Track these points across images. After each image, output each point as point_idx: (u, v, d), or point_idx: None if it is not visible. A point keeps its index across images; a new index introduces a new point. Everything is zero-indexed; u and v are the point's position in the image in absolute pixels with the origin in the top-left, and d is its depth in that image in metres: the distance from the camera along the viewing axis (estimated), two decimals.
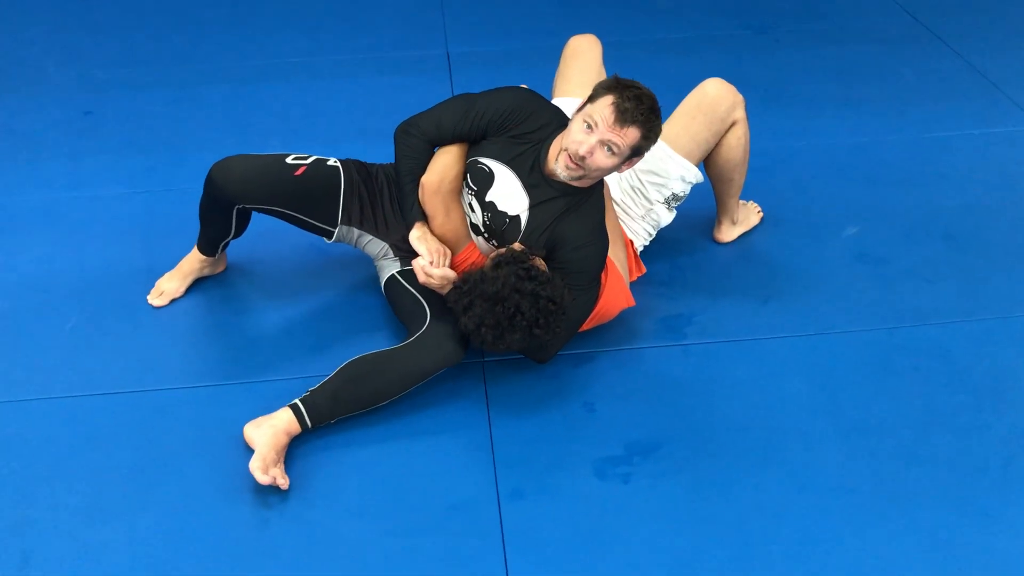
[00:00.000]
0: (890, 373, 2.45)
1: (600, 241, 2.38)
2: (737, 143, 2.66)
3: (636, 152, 2.29)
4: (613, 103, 2.22)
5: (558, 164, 2.31)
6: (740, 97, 2.63)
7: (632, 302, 2.52)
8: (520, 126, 2.38)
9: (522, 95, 2.42)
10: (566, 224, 2.36)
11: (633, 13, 4.41)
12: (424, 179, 2.39)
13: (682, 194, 2.67)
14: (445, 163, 2.40)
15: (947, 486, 2.15)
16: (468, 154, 2.43)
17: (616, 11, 4.42)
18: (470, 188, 2.41)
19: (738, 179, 2.76)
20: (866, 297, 2.71)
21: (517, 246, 2.35)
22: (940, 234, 2.95)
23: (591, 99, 2.27)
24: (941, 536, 2.05)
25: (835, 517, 2.08)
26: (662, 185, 2.64)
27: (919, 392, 2.40)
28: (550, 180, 2.35)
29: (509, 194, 2.37)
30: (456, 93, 3.68)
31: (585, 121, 2.25)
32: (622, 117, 2.21)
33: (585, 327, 2.46)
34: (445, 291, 2.37)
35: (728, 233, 2.90)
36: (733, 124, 2.64)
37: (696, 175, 2.65)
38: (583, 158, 2.25)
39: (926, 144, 3.42)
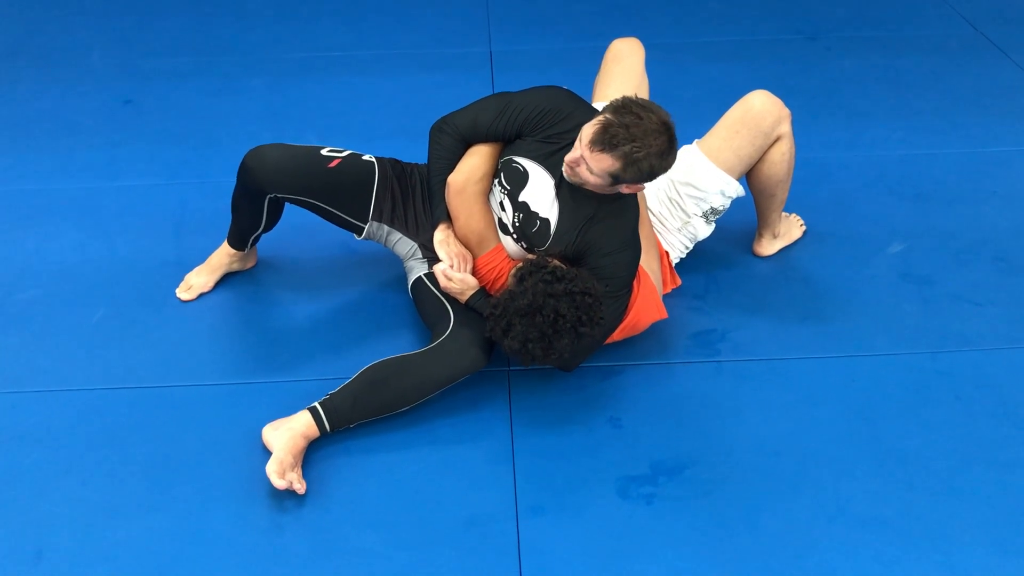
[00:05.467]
0: (930, 400, 2.36)
1: (631, 248, 2.32)
2: (781, 158, 2.58)
3: (615, 179, 2.18)
4: (600, 123, 2.14)
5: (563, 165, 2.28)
6: (786, 111, 2.55)
7: (664, 314, 2.46)
8: (556, 126, 2.33)
9: (559, 95, 2.37)
10: (596, 229, 2.30)
11: (681, 15, 4.32)
12: (450, 178, 2.36)
13: (721, 208, 2.59)
14: (473, 163, 2.37)
15: (986, 524, 2.06)
16: (503, 153, 2.40)
17: (664, 13, 4.34)
18: (503, 187, 2.37)
19: (781, 194, 2.68)
20: (909, 319, 2.61)
21: (532, 256, 2.31)
22: (990, 256, 2.84)
23: (602, 111, 2.20)
24: None
25: (865, 551, 2.00)
26: (701, 199, 2.57)
27: (960, 422, 2.30)
28: (581, 185, 2.29)
29: (541, 195, 2.33)
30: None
31: (581, 131, 2.19)
32: (596, 140, 2.12)
33: (615, 338, 2.40)
34: (465, 297, 2.34)
35: (768, 247, 2.82)
36: (778, 139, 2.55)
37: (737, 189, 2.58)
38: (571, 167, 2.21)
39: (980, 160, 3.30)
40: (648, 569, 1.98)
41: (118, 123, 3.53)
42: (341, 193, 2.43)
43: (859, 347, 2.52)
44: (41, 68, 3.91)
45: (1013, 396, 2.37)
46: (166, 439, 2.25)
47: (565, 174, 2.27)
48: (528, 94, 2.39)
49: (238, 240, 2.65)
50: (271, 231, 2.62)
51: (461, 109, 2.43)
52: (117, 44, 4.10)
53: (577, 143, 2.20)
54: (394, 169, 2.51)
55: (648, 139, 2.12)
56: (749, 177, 2.64)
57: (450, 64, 3.93)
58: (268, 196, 2.44)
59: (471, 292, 2.33)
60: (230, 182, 2.52)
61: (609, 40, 2.89)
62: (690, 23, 4.26)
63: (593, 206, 2.31)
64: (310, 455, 2.20)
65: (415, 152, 2.71)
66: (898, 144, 3.39)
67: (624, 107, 2.14)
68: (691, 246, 2.65)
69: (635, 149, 2.11)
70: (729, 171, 2.55)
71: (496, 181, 2.40)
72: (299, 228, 2.78)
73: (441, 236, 2.37)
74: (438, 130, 2.42)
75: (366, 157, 2.49)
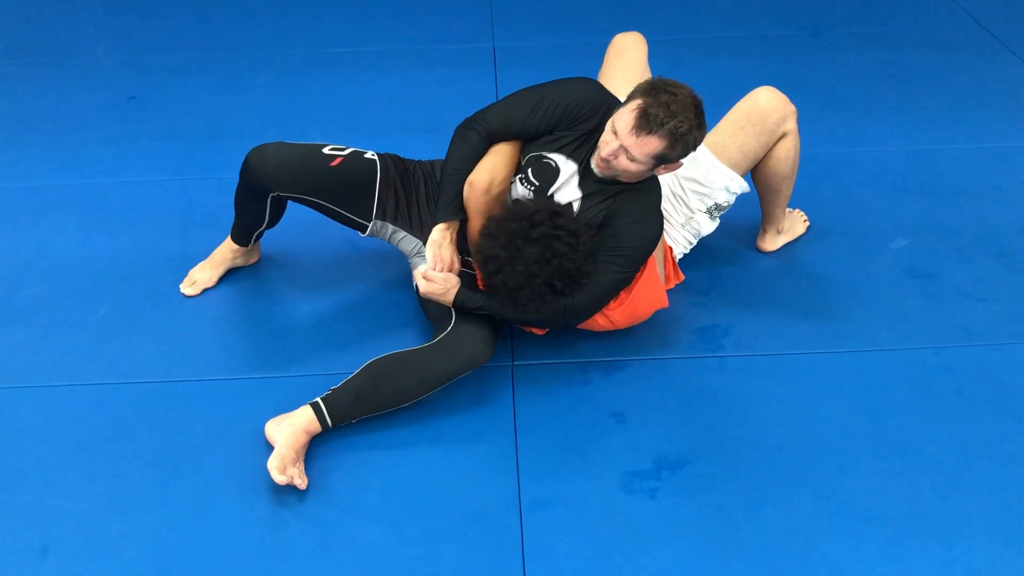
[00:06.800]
0: (934, 395, 2.36)
1: (655, 220, 2.31)
2: (786, 155, 2.57)
3: (661, 160, 2.20)
4: (638, 108, 2.14)
5: (592, 162, 2.27)
6: (792, 108, 2.54)
7: (666, 303, 2.45)
8: (590, 120, 2.31)
9: (592, 88, 2.37)
10: (623, 200, 2.30)
11: (685, 11, 4.32)
12: (473, 178, 2.31)
13: (725, 204, 2.59)
14: (496, 163, 2.34)
15: (990, 519, 2.06)
16: (529, 148, 2.37)
17: (668, 9, 4.34)
18: (530, 183, 2.35)
19: (786, 191, 2.67)
20: (912, 314, 2.61)
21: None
22: (994, 251, 2.84)
23: (626, 100, 2.21)
24: (982, 572, 1.96)
25: (869, 546, 2.00)
26: (705, 195, 2.57)
27: (963, 417, 2.30)
28: (615, 177, 2.30)
29: (568, 186, 2.33)
30: (500, 89, 3.68)
31: (612, 122, 2.19)
32: (640, 125, 2.13)
33: (618, 325, 2.41)
34: (449, 297, 2.29)
35: (772, 242, 2.82)
36: (783, 136, 2.55)
37: (741, 186, 2.57)
38: (607, 160, 2.21)
39: (984, 155, 3.30)
40: (651, 563, 1.98)
41: (123, 119, 3.53)
42: (343, 192, 2.42)
43: (862, 342, 2.52)
44: (46, 65, 3.92)
45: (1016, 391, 2.37)
46: (170, 434, 2.26)
47: (598, 169, 2.26)
48: (561, 87, 2.36)
49: (241, 236, 2.65)
50: (274, 227, 2.62)
51: (489, 107, 2.39)
52: (122, 41, 4.10)
53: (609, 136, 2.19)
54: (396, 167, 2.49)
55: (687, 113, 2.14)
56: (754, 173, 2.64)
57: (453, 60, 3.93)
58: (271, 194, 2.44)
59: (454, 290, 2.29)
60: (234, 178, 2.52)
61: (614, 35, 2.89)
62: (693, 19, 4.25)
63: (618, 187, 2.31)
64: (313, 451, 2.20)
65: (419, 148, 2.72)
66: (902, 140, 3.39)
67: (655, 88, 2.16)
68: (695, 242, 2.65)
69: (679, 125, 2.13)
70: (734, 167, 2.55)
71: (519, 178, 2.38)
72: (303, 224, 2.78)
73: (437, 236, 2.32)
74: (466, 127, 2.36)
75: (368, 155, 2.48)
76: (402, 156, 2.55)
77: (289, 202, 2.54)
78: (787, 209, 2.83)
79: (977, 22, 4.20)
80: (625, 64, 2.74)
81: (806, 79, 3.75)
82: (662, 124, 2.12)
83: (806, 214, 2.94)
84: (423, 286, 2.29)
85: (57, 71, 3.87)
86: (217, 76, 3.81)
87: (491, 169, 2.33)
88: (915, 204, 3.05)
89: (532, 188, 2.35)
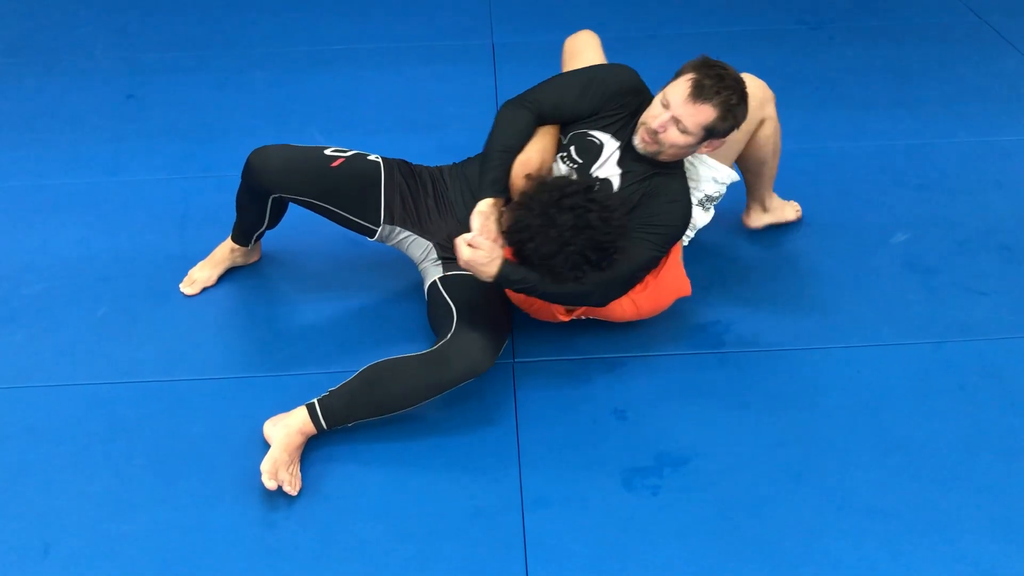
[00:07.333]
0: (935, 390, 2.36)
1: (690, 203, 2.37)
2: (767, 140, 2.58)
3: (710, 132, 2.25)
4: (691, 79, 2.21)
5: (636, 137, 2.31)
6: (770, 93, 2.56)
7: (688, 291, 2.45)
8: (633, 102, 2.36)
9: (635, 75, 2.42)
10: (659, 181, 2.34)
11: (683, 6, 4.30)
12: (525, 158, 2.31)
13: (716, 195, 2.58)
14: (545, 145, 2.35)
15: (992, 513, 2.06)
16: (568, 128, 2.39)
17: (665, 4, 4.32)
18: (573, 161, 2.36)
19: (768, 172, 2.68)
20: (913, 308, 2.61)
21: None
22: (995, 245, 2.83)
23: (675, 76, 2.26)
24: (985, 567, 1.96)
25: (871, 542, 2.00)
26: (693, 188, 2.56)
27: (965, 411, 2.30)
28: (656, 154, 2.33)
29: (608, 164, 2.35)
30: (499, 85, 3.67)
31: (664, 94, 2.24)
32: (696, 93, 2.19)
33: (643, 314, 2.41)
34: (493, 268, 2.16)
35: (757, 219, 2.82)
36: (762, 121, 2.55)
37: (729, 175, 2.56)
38: (656, 132, 2.25)
39: (984, 149, 3.29)
40: (653, 560, 1.98)
41: (121, 118, 3.52)
42: (346, 194, 2.37)
43: (863, 337, 2.51)
44: (44, 63, 3.91)
45: (1017, 385, 2.36)
46: (171, 433, 2.26)
47: (642, 144, 2.30)
48: (606, 71, 2.42)
49: (241, 236, 2.64)
50: (275, 227, 2.62)
51: (537, 88, 2.41)
52: (120, 39, 4.09)
53: (659, 109, 2.24)
54: (401, 169, 2.45)
55: (738, 87, 2.23)
56: (737, 158, 2.64)
57: (452, 56, 3.92)
58: (272, 196, 2.43)
59: (498, 261, 2.17)
60: (233, 176, 2.51)
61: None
62: (692, 13, 4.24)
63: (651, 167, 2.35)
64: (312, 449, 2.20)
65: (418, 144, 2.71)
66: (902, 134, 3.38)
67: (705, 64, 2.24)
68: (692, 234, 2.63)
69: (730, 96, 2.21)
70: (718, 157, 2.54)
71: (560, 156, 2.38)
72: (304, 223, 2.76)
73: (485, 208, 2.25)
74: (516, 104, 2.37)
75: (372, 157, 2.44)
76: (407, 160, 2.51)
77: (290, 202, 2.53)
78: (782, 201, 2.83)
79: (977, 15, 4.19)
80: (586, 62, 2.71)
81: (806, 73, 3.74)
82: (717, 93, 2.19)
83: (804, 208, 2.92)
84: (466, 253, 2.15)
85: (55, 69, 3.86)
86: (216, 74, 3.80)
87: (542, 151, 2.34)
88: (915, 198, 3.05)
89: (575, 166, 2.36)
